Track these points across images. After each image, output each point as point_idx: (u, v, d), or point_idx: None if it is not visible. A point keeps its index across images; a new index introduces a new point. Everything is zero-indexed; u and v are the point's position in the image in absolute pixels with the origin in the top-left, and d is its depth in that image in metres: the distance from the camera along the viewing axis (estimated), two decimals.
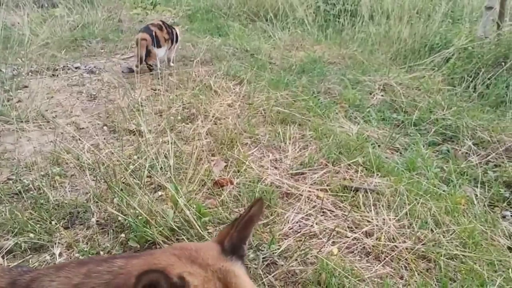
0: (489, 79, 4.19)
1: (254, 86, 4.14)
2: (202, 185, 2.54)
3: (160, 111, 3.60)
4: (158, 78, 4.22)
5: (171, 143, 2.71)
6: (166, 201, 2.36)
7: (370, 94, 4.20)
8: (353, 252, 2.12)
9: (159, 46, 4.69)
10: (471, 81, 4.28)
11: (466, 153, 3.15)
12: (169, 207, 2.24)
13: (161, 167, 2.59)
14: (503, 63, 4.30)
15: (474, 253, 2.08)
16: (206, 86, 4.12)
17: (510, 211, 2.53)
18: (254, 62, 5.00)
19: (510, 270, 1.97)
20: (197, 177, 2.51)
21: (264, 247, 2.08)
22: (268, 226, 2.25)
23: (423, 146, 3.17)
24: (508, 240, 2.24)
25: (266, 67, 4.88)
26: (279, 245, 2.10)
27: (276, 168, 2.85)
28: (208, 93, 3.93)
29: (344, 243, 2.16)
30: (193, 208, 2.20)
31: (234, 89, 4.16)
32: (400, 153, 3.16)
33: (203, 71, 4.56)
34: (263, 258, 2.01)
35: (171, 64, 5.09)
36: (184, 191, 2.33)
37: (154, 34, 4.59)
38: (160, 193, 2.43)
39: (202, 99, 3.73)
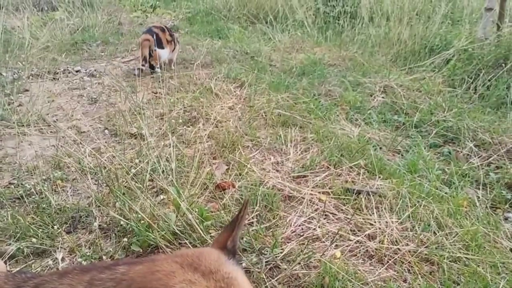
0: (489, 80, 4.19)
1: (255, 88, 4.14)
2: (204, 189, 2.53)
3: (161, 114, 3.60)
4: (159, 81, 4.23)
5: (173, 146, 2.71)
6: (168, 204, 2.36)
7: (371, 96, 4.20)
8: (356, 255, 2.12)
9: (161, 47, 4.70)
10: (472, 83, 4.28)
11: (468, 154, 3.14)
12: (171, 210, 2.24)
13: (163, 170, 2.59)
14: (503, 65, 4.30)
15: (477, 256, 2.07)
16: (207, 89, 4.12)
17: None
18: (254, 65, 5.00)
19: None
20: (199, 180, 2.50)
21: (267, 251, 2.07)
22: (271, 230, 2.25)
23: (425, 148, 3.17)
24: (510, 242, 2.23)
25: (266, 69, 4.88)
26: (282, 249, 2.09)
27: (277, 171, 2.85)
28: (209, 96, 3.93)
29: (347, 246, 2.15)
30: (195, 211, 2.20)
31: (234, 91, 4.16)
32: (402, 155, 3.16)
33: (203, 74, 4.56)
34: (266, 262, 2.01)
35: (172, 67, 5.09)
36: (186, 194, 2.33)
37: (155, 35, 4.61)
38: (162, 196, 2.42)
39: (203, 102, 3.74)
